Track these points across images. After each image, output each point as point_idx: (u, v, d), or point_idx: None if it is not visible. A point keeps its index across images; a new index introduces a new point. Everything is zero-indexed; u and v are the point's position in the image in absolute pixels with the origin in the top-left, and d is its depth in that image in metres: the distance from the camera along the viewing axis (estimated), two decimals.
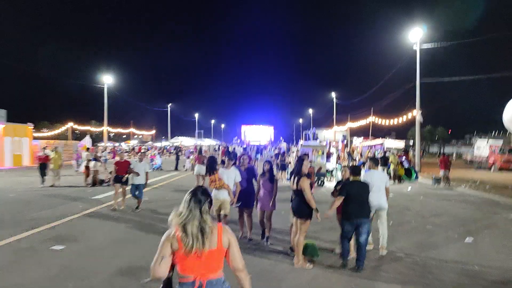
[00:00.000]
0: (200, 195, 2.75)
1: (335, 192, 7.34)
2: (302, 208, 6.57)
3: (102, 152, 28.35)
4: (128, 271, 6.23)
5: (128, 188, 11.82)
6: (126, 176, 11.62)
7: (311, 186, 7.15)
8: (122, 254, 7.20)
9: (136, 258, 6.87)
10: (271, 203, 7.92)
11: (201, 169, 15.13)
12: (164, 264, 2.62)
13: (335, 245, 7.84)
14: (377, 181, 7.30)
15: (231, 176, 7.98)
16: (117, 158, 12.52)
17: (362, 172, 7.84)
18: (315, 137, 60.17)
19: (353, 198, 6.53)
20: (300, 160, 7.04)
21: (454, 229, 9.71)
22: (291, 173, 7.16)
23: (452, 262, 7.00)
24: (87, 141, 21.68)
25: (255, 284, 5.72)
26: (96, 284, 5.67)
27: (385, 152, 23.53)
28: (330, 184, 19.25)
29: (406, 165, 22.08)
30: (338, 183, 7.68)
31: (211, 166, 7.95)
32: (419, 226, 10.03)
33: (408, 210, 12.40)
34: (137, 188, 11.42)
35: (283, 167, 20.27)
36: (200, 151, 17.61)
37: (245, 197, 8.22)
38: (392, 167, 21.05)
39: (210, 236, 2.65)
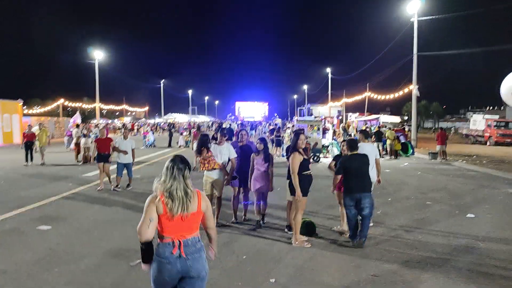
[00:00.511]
0: (180, 163, 3.00)
1: (332, 168, 7.06)
2: (300, 185, 6.27)
3: (94, 128, 27.83)
4: (117, 253, 5.91)
5: (114, 167, 11.32)
6: (109, 154, 11.14)
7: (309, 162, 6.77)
8: (112, 235, 6.88)
9: (126, 240, 6.55)
10: (269, 185, 7.31)
11: None
12: (152, 227, 2.83)
13: (334, 222, 7.58)
14: (368, 154, 6.98)
15: (224, 152, 7.35)
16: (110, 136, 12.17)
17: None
18: (310, 113, 59.81)
19: (353, 173, 6.34)
20: (297, 134, 6.72)
21: (454, 204, 9.48)
22: (287, 149, 6.83)
23: (455, 240, 6.75)
24: (77, 117, 21.10)
25: (253, 266, 5.57)
26: (84, 268, 5.36)
27: (379, 127, 23.20)
28: (326, 160, 18.99)
29: (402, 140, 21.84)
30: (336, 157, 7.35)
31: (203, 144, 7.21)
32: (418, 202, 9.78)
33: (406, 185, 12.17)
34: (125, 167, 10.96)
35: (278, 142, 19.94)
36: (198, 128, 17.29)
37: (243, 176, 7.53)
38: (388, 142, 20.79)
39: (192, 201, 2.94)
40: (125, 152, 10.81)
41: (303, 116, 61.00)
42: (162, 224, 2.89)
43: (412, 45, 29.05)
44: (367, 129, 26.01)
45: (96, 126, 38.74)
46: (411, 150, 22.28)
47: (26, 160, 16.29)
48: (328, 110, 55.63)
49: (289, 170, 6.36)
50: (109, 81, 75.60)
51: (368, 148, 7.36)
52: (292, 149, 6.46)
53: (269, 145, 20.07)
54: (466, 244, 6.53)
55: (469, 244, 6.53)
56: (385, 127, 24.37)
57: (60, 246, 6.26)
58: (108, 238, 6.70)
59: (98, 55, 48.69)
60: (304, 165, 6.38)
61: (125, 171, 11.07)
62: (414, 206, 9.28)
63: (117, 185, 10.88)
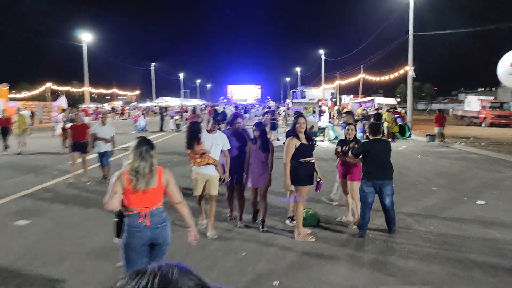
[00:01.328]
0: (146, 145, 3.39)
1: (339, 153, 6.50)
2: (296, 173, 5.66)
3: (80, 113, 26.95)
4: (100, 253, 5.30)
5: (92, 156, 10.48)
6: (86, 142, 9.80)
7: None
8: (96, 232, 6.22)
9: (110, 238, 5.93)
10: (266, 179, 6.17)
11: None
12: (115, 199, 3.26)
13: (339, 212, 7.06)
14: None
15: (217, 142, 6.00)
16: (98, 121, 11.01)
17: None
18: (303, 96, 59.13)
19: (375, 158, 5.91)
20: (296, 117, 6.13)
21: (461, 190, 9.00)
22: (288, 133, 6.12)
23: (468, 229, 6.27)
24: (62, 101, 20.11)
25: (253, 265, 4.94)
26: (63, 270, 4.77)
27: (377, 109, 22.66)
28: (323, 144, 18.46)
29: (399, 122, 21.35)
30: (340, 142, 6.75)
31: (194, 135, 5.86)
32: (424, 188, 9.29)
33: (409, 170, 11.68)
34: (103, 156, 9.79)
35: (273, 126, 19.31)
36: (194, 111, 16.67)
37: (238, 170, 6.30)
38: (386, 124, 20.25)
39: (153, 176, 3.32)
40: (105, 140, 9.66)
41: (297, 98, 60.28)
42: (127, 198, 3.31)
43: (407, 26, 28.42)
44: (364, 111, 25.54)
45: (83, 110, 37.79)
46: (408, 133, 21.81)
47: (4, 149, 15.17)
48: (321, 92, 55.00)
49: None
50: (98, 64, 74.15)
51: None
52: (291, 132, 5.86)
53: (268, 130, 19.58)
54: (482, 235, 6.04)
55: (485, 235, 6.04)
56: (381, 109, 23.80)
57: (39, 245, 5.65)
58: (92, 235, 6.07)
59: (86, 37, 47.55)
60: (302, 151, 5.71)
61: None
62: (421, 193, 8.78)
63: (104, 177, 9.81)
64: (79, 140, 9.83)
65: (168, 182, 3.44)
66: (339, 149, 6.49)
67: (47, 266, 4.88)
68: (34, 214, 7.14)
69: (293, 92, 78.76)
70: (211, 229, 5.96)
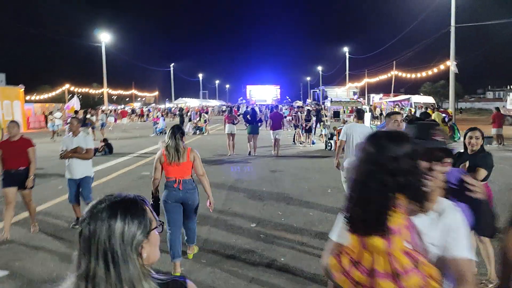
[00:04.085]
0: (176, 130, 4.58)
1: None
2: None
3: (100, 115, 25.31)
4: None
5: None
6: (24, 170, 5.96)
7: None
8: None
9: None
10: None
11: (232, 128, 14.81)
12: (158, 172, 4.61)
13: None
14: (358, 135, 6.18)
15: None
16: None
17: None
18: (324, 96, 56.60)
19: None
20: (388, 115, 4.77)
21: None
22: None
23: None
24: (74, 102, 18.36)
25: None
26: None
27: (426, 108, 20.35)
28: None
29: (448, 122, 19.01)
30: (459, 157, 4.72)
31: None
32: None
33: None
34: (78, 186, 6.23)
35: (310, 129, 17.21)
36: (230, 110, 15.62)
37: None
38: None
39: (183, 154, 4.52)
40: (78, 154, 6.11)
41: (317, 99, 57.95)
42: (166, 169, 4.57)
43: (448, 18, 25.99)
44: (406, 111, 23.26)
45: (103, 111, 36.33)
46: (458, 134, 19.43)
47: None
48: (346, 92, 52.53)
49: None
50: (117, 65, 73.37)
51: (359, 130, 6.43)
52: None
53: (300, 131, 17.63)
54: None
55: None
56: (427, 108, 21.47)
57: None
58: None
59: (104, 37, 46.57)
60: None
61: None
62: None
63: (76, 220, 6.31)
64: (12, 167, 5.91)
65: (194, 159, 4.61)
66: (463, 166, 4.37)
67: None
68: (17, 258, 5.22)
69: (313, 92, 76.40)
70: None
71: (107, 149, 14.96)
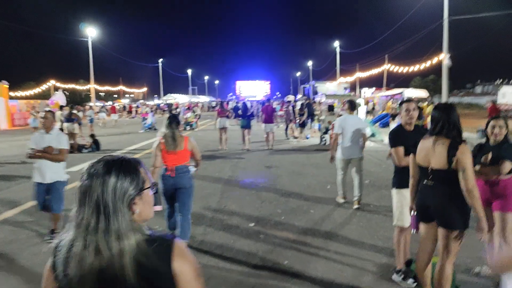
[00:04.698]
0: (173, 120, 4.74)
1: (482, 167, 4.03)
2: None
3: (87, 111, 24.56)
4: None
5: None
6: None
7: None
8: None
9: None
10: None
11: (224, 122, 14.53)
12: (158, 160, 4.67)
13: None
14: (351, 127, 6.57)
15: None
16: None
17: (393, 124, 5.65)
18: (315, 91, 56.20)
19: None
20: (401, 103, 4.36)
21: None
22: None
23: None
24: (59, 97, 17.60)
25: None
26: None
27: (418, 102, 20.03)
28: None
29: None
30: (479, 148, 4.35)
31: None
32: None
33: None
34: (47, 192, 5.26)
35: (303, 123, 16.83)
36: (221, 105, 15.44)
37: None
38: (429, 119, 17.69)
39: (180, 142, 4.67)
40: (50, 156, 5.19)
41: (308, 94, 57.47)
42: (164, 157, 4.68)
43: (440, 11, 25.74)
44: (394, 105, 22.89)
45: (91, 107, 35.45)
46: None
47: None
48: (337, 87, 52.25)
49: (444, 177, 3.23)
50: (104, 61, 72.30)
51: (352, 121, 6.68)
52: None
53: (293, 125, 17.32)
54: None
55: None
56: (418, 102, 21.18)
57: None
58: None
59: (91, 32, 45.69)
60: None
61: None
62: None
63: (52, 231, 5.34)
64: None
65: (192, 147, 4.83)
66: (485, 158, 3.98)
67: None
68: (6, 256, 4.72)
69: (303, 87, 75.79)
70: None
71: (95, 145, 14.40)
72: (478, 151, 4.07)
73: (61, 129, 14.15)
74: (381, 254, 4.61)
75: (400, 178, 3.95)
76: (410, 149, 3.64)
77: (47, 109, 5.70)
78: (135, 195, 1.26)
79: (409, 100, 4.24)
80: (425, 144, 3.25)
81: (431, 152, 3.17)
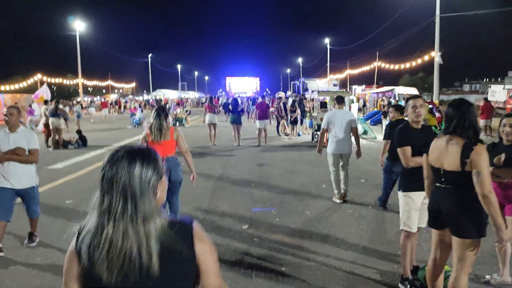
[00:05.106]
0: (161, 112, 4.79)
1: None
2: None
3: (75, 106, 23.97)
4: None
5: None
6: None
7: None
8: None
9: None
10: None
11: (212, 118, 14.24)
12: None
13: None
14: (340, 121, 6.55)
15: None
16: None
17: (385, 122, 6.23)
18: (304, 88, 56.00)
19: None
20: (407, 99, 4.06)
21: None
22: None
23: None
24: (44, 91, 17.02)
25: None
26: None
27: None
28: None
29: (436, 114, 18.63)
30: (493, 147, 4.11)
31: None
32: None
33: None
34: (23, 197, 4.78)
35: (295, 120, 16.52)
36: (211, 100, 14.88)
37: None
38: (422, 116, 17.55)
39: (166, 133, 4.69)
40: (18, 157, 4.58)
41: (298, 91, 57.30)
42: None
43: (432, 8, 25.66)
44: (393, 102, 22.75)
45: (78, 102, 34.82)
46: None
47: None
48: (328, 83, 52.09)
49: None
50: (93, 55, 71.20)
51: (341, 116, 6.66)
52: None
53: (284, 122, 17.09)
54: None
55: None
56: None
57: None
58: None
59: (79, 26, 44.93)
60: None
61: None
62: None
63: (29, 236, 4.90)
64: None
65: (178, 137, 4.78)
66: (497, 160, 3.72)
67: None
68: None
69: (293, 84, 75.56)
70: None
71: (81, 141, 13.95)
72: (491, 152, 3.82)
73: (47, 124, 13.73)
74: (383, 260, 4.35)
75: (407, 181, 3.70)
76: (420, 149, 3.38)
77: (13, 104, 5.20)
78: (157, 181, 1.35)
79: (416, 96, 3.96)
80: (438, 144, 2.98)
81: (444, 153, 2.90)
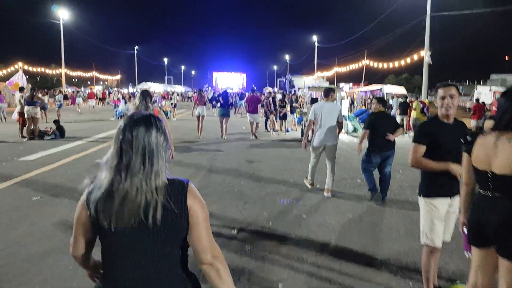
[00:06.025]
0: (146, 95, 5.17)
1: None
2: None
3: (57, 95, 22.88)
4: None
5: None
6: None
7: None
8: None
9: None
10: None
11: (201, 110, 14.04)
12: None
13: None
14: (328, 113, 6.47)
15: None
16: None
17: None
18: (291, 85, 55.53)
19: (379, 130, 6.10)
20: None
21: None
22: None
23: None
24: (19, 78, 16.09)
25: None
26: None
27: (406, 97, 19.60)
28: (343, 136, 15.29)
29: (427, 113, 18.36)
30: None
31: None
32: None
33: None
34: None
35: (285, 115, 15.99)
36: (200, 93, 14.54)
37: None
38: (414, 115, 17.27)
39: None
40: None
41: (284, 88, 56.75)
42: None
43: (423, 7, 25.37)
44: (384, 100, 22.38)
45: (60, 92, 33.53)
46: None
47: None
48: (315, 81, 51.69)
49: None
50: (77, 45, 69.61)
51: (328, 107, 6.56)
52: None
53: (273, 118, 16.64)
54: None
55: None
56: (406, 97, 20.73)
57: None
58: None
59: (63, 14, 43.59)
60: None
61: None
62: None
63: None
64: None
65: (161, 118, 3.69)
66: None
67: None
68: None
69: (280, 80, 75.00)
70: None
71: (58, 132, 13.15)
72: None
73: (22, 113, 12.89)
74: (396, 276, 3.79)
75: (430, 184, 3.15)
76: (450, 148, 2.85)
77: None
78: (166, 144, 1.57)
79: (447, 84, 3.23)
80: (485, 141, 2.42)
81: (493, 152, 2.34)
